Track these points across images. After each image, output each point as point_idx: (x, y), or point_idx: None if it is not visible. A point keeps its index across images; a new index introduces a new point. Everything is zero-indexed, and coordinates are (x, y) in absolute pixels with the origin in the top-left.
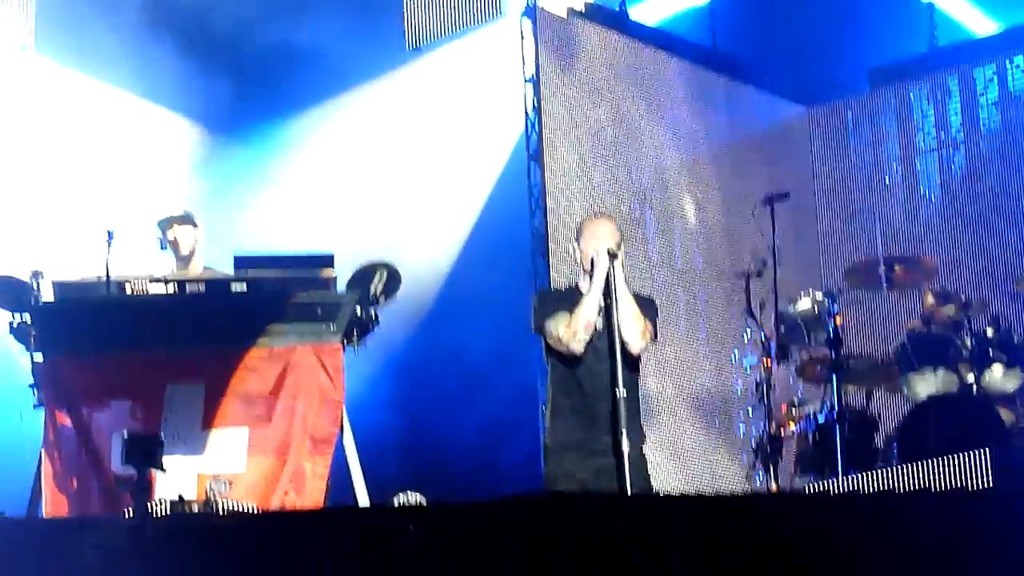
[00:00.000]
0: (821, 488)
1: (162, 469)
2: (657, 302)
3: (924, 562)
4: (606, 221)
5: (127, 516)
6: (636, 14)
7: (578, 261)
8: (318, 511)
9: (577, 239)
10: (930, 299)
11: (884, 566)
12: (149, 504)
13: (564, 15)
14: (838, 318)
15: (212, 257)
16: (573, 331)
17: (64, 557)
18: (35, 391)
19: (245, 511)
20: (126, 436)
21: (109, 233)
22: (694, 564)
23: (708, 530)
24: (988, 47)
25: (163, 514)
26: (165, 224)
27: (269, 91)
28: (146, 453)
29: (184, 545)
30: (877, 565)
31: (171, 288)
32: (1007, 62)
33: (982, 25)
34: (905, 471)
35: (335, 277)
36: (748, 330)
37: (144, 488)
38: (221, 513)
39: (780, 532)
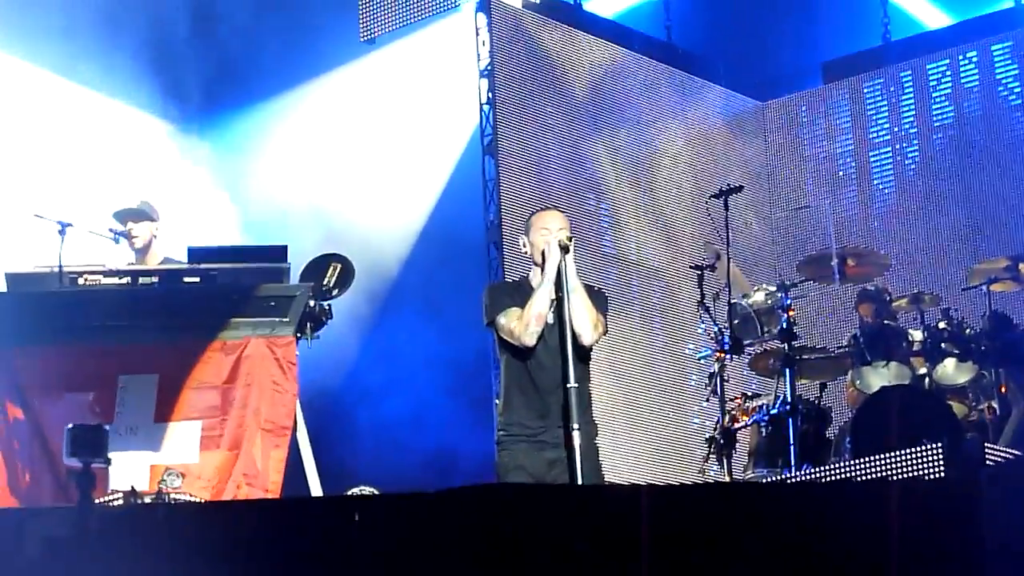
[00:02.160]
0: (775, 479)
1: (107, 462)
2: (611, 295)
3: (880, 547)
4: (555, 213)
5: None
6: (591, 7)
7: (528, 254)
8: (260, 501)
9: (527, 232)
10: (865, 308)
11: (848, 551)
12: (94, 495)
13: (519, 7)
14: (791, 311)
15: (172, 249)
16: (525, 324)
17: (3, 547)
18: None
19: (193, 502)
20: (70, 428)
21: (62, 224)
22: (662, 553)
23: (674, 519)
24: (941, 41)
25: (110, 505)
26: (121, 217)
27: (226, 85)
28: (90, 445)
29: (129, 536)
30: (841, 550)
31: (124, 280)
32: (960, 56)
33: (935, 19)
34: (858, 464)
35: (288, 269)
36: (702, 323)
37: (89, 479)
38: (169, 503)
39: (750, 520)
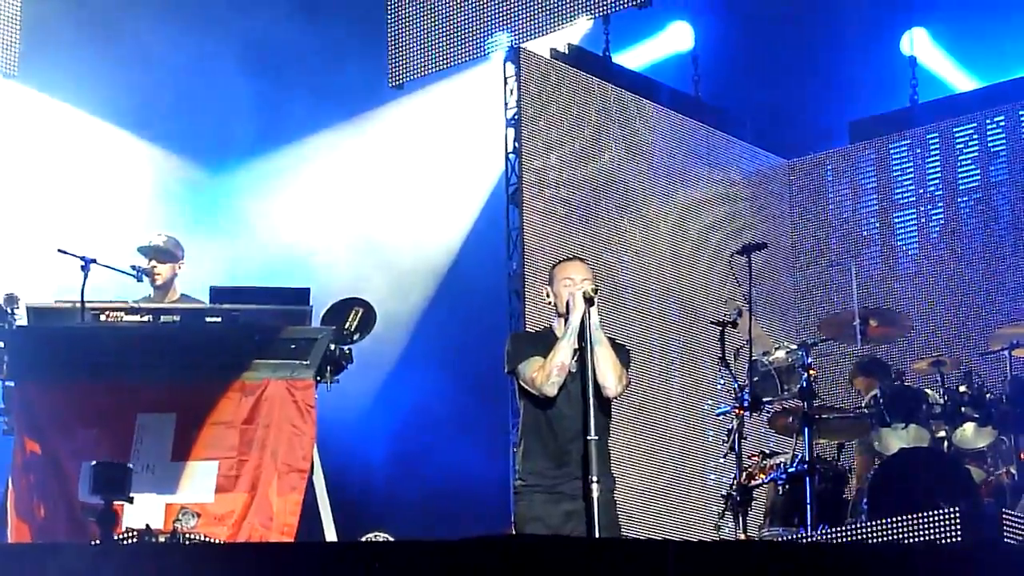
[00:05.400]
0: (791, 539)
1: (129, 500)
2: (631, 349)
3: None
4: (579, 264)
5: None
6: (619, 59)
7: (551, 304)
8: (280, 544)
9: (550, 282)
10: (862, 383)
11: None
12: (114, 533)
13: (548, 58)
14: (811, 370)
15: (190, 286)
16: (547, 374)
17: None
18: (5, 417)
19: (209, 542)
20: (94, 465)
21: (85, 260)
22: None
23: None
24: (968, 104)
25: (128, 543)
26: (146, 253)
27: (255, 128)
28: (114, 483)
29: (147, 575)
30: None
31: (146, 318)
32: (986, 120)
33: (963, 82)
34: (875, 525)
35: (311, 312)
36: (721, 379)
37: (110, 517)
38: (185, 544)
39: None
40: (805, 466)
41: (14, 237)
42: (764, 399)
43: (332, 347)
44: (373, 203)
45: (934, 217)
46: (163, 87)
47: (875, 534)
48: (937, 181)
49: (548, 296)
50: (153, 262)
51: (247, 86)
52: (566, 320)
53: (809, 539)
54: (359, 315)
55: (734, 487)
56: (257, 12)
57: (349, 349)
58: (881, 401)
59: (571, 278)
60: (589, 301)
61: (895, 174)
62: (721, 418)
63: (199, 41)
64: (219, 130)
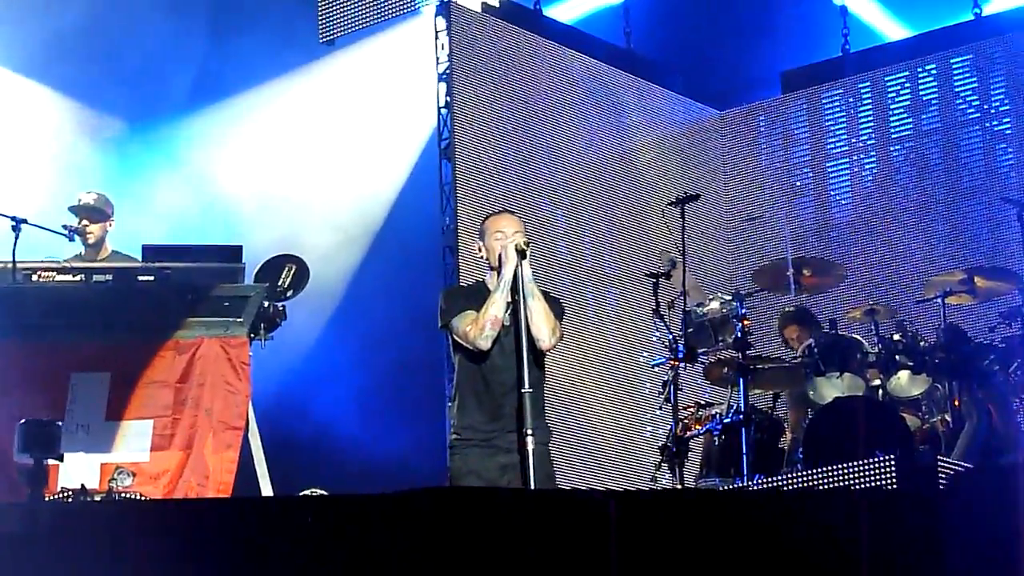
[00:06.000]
0: (727, 488)
1: (59, 458)
2: (565, 302)
3: (852, 556)
4: (511, 216)
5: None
6: (550, 12)
7: (483, 258)
8: (216, 500)
9: (481, 235)
10: (793, 332)
11: (820, 560)
12: (45, 492)
13: (478, 12)
14: (745, 320)
15: (121, 243)
16: (480, 328)
17: None
18: None
19: (144, 500)
20: (22, 423)
21: (16, 221)
22: (632, 562)
23: (645, 527)
24: (900, 53)
25: (61, 502)
26: (77, 212)
27: (182, 85)
28: (43, 441)
29: (80, 533)
30: (814, 559)
31: (78, 277)
32: (918, 68)
33: (894, 31)
34: (810, 474)
35: (243, 269)
36: (656, 331)
37: (40, 475)
38: (121, 502)
39: (724, 528)
40: (740, 416)
41: None
42: (699, 350)
43: (266, 304)
44: (305, 160)
45: (866, 166)
46: (92, 46)
47: (810, 483)
48: (869, 130)
49: (479, 250)
50: (84, 220)
51: (177, 40)
52: (498, 273)
53: (745, 488)
54: (292, 272)
55: (670, 438)
56: None
57: (283, 306)
58: (816, 350)
59: (502, 231)
60: (521, 254)
61: (827, 124)
62: (656, 370)
63: None
64: (151, 89)
